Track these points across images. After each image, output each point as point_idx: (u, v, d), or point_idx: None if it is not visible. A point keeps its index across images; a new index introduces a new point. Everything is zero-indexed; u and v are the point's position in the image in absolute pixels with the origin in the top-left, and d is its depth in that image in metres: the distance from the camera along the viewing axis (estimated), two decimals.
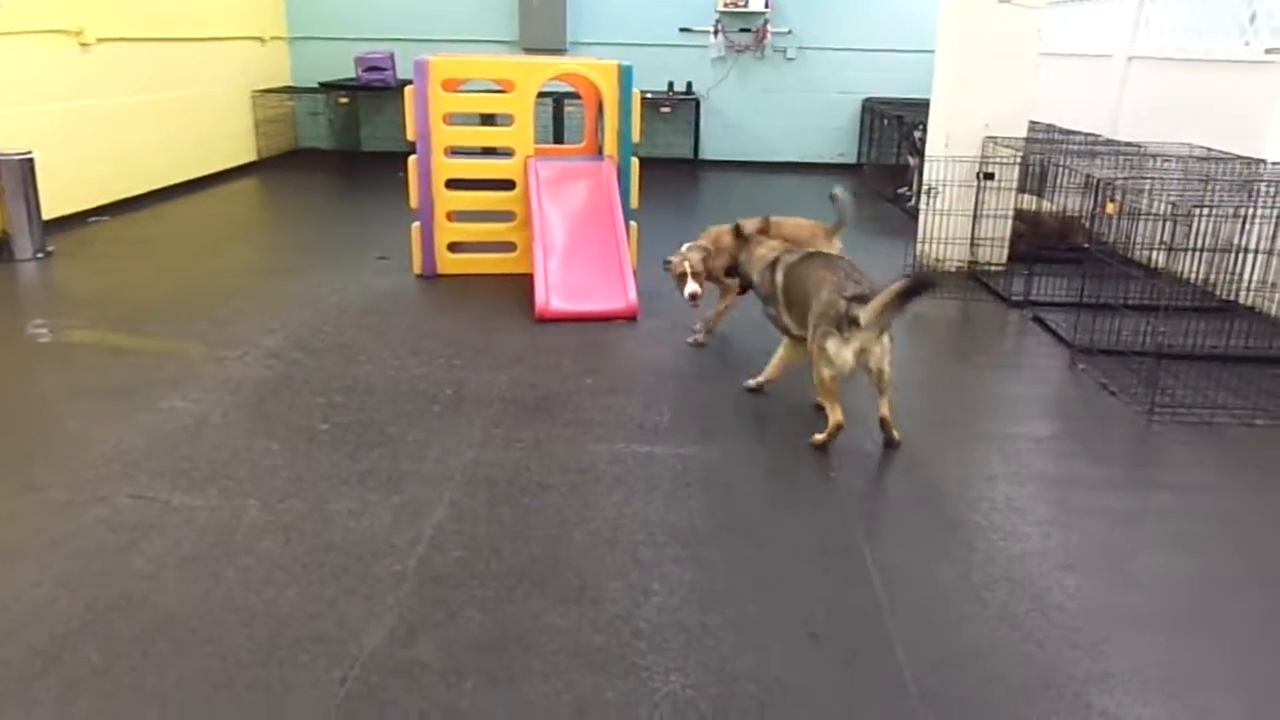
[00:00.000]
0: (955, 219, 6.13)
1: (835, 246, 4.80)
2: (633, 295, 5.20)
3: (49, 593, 2.64)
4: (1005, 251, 6.20)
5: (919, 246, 6.29)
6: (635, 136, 5.90)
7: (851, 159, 10.92)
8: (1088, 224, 5.99)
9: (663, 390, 4.26)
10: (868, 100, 10.60)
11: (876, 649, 2.51)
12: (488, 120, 8.59)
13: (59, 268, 6.02)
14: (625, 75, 5.75)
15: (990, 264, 6.16)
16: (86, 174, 7.20)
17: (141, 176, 7.95)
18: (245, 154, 9.79)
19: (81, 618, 2.53)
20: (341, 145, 10.44)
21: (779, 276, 4.01)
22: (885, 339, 3.64)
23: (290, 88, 10.50)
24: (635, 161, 5.96)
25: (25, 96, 6.55)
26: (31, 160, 6.01)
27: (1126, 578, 2.91)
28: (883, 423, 3.73)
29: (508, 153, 5.89)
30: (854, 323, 3.51)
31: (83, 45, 7.14)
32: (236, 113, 9.67)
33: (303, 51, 10.69)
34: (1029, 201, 6.50)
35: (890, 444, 3.74)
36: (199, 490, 3.21)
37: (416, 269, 5.89)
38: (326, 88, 10.26)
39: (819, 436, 3.69)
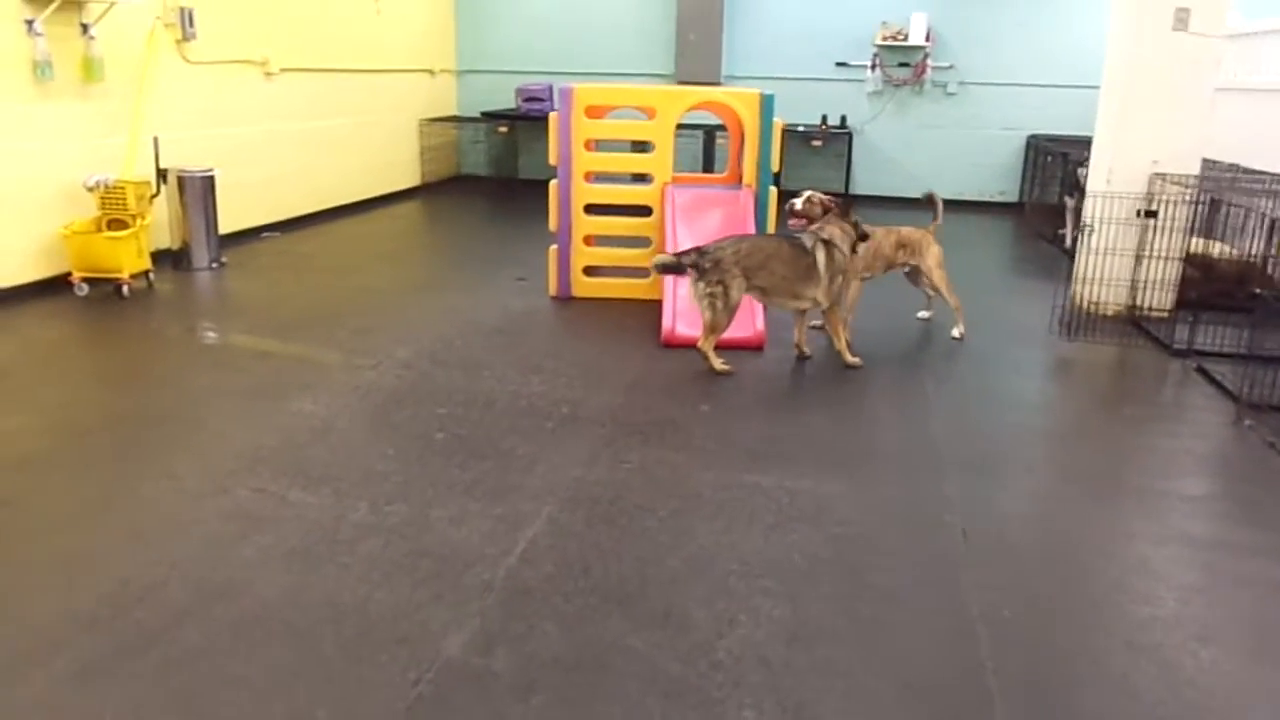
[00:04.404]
0: (1116, 259, 5.72)
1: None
2: (760, 324, 5.11)
3: (164, 574, 2.79)
4: (1171, 296, 5.75)
5: (1076, 287, 5.92)
6: (774, 166, 5.83)
7: (1013, 197, 10.46)
8: (1272, 270, 5.50)
9: (780, 421, 4.16)
10: (1032, 137, 10.14)
11: (974, 707, 2.32)
12: (639, 147, 8.70)
13: (230, 277, 6.47)
14: (766, 104, 5.70)
15: (1153, 309, 5.72)
16: (263, 192, 7.73)
17: (313, 196, 8.48)
18: (410, 179, 10.30)
19: (189, 599, 2.66)
20: (500, 172, 10.84)
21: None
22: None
23: (456, 117, 11.00)
24: (773, 191, 5.90)
25: (214, 120, 7.11)
26: (212, 178, 6.50)
27: (1275, 656, 2.59)
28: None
29: (647, 178, 5.95)
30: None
31: (267, 74, 7.70)
32: (405, 140, 10.20)
33: (469, 83, 11.20)
34: (1204, 245, 6.03)
35: None
36: (314, 489, 3.34)
37: (551, 291, 6.00)
38: (488, 117, 10.69)
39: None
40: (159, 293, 5.97)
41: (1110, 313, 5.81)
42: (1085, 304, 5.82)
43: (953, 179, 10.40)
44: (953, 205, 10.24)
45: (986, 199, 10.54)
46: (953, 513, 3.32)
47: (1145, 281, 5.73)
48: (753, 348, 5.05)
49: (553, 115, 5.74)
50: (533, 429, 3.93)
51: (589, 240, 5.97)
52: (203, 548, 2.94)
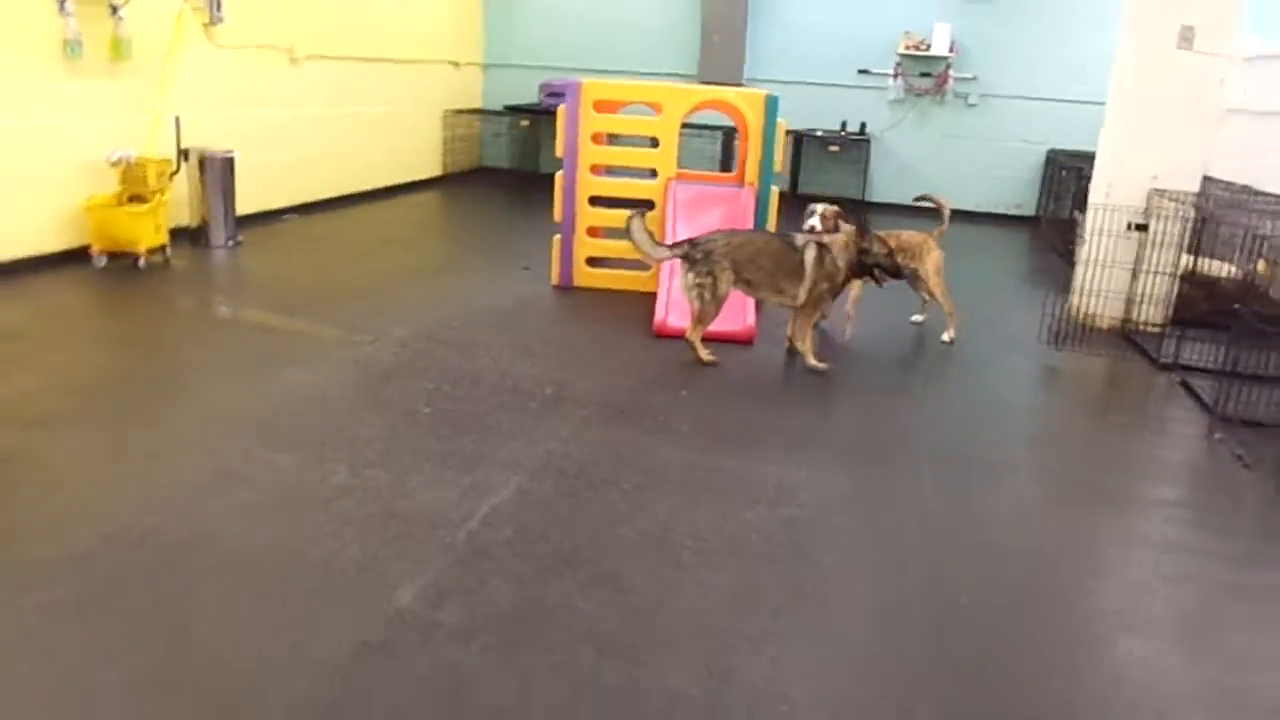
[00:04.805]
0: (1111, 272, 5.78)
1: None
2: (751, 319, 5.23)
3: (159, 520, 2.96)
4: (1164, 311, 5.78)
5: (1072, 299, 5.98)
6: (777, 167, 5.95)
7: (1030, 211, 10.47)
8: (1269, 288, 5.53)
9: (758, 410, 4.27)
10: (1052, 152, 10.15)
11: (904, 682, 2.43)
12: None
13: (245, 255, 6.67)
14: (771, 105, 5.81)
15: (1147, 323, 5.76)
16: (285, 175, 7.94)
17: (335, 182, 8.69)
18: (432, 168, 10.49)
19: (178, 545, 2.83)
20: (521, 165, 11.02)
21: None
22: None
23: (480, 109, 11.19)
24: (775, 191, 6.01)
25: (239, 102, 7.33)
26: (232, 159, 6.71)
27: (1206, 650, 2.68)
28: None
29: (653, 173, 6.08)
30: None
31: (293, 61, 7.92)
32: (428, 130, 10.40)
33: (495, 77, 11.39)
34: (1207, 264, 6.05)
35: None
36: (299, 452, 3.50)
37: (554, 280, 6.15)
38: (511, 110, 10.87)
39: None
40: (174, 268, 6.17)
41: (1104, 325, 5.86)
42: (1080, 315, 5.88)
43: (971, 190, 10.43)
44: (970, 216, 10.36)
45: (1003, 211, 10.56)
46: (918, 504, 3.42)
47: (1139, 296, 5.77)
48: (742, 341, 5.16)
49: (561, 108, 5.89)
50: (515, 407, 4.07)
51: (592, 232, 6.11)
52: (195, 500, 3.11)
